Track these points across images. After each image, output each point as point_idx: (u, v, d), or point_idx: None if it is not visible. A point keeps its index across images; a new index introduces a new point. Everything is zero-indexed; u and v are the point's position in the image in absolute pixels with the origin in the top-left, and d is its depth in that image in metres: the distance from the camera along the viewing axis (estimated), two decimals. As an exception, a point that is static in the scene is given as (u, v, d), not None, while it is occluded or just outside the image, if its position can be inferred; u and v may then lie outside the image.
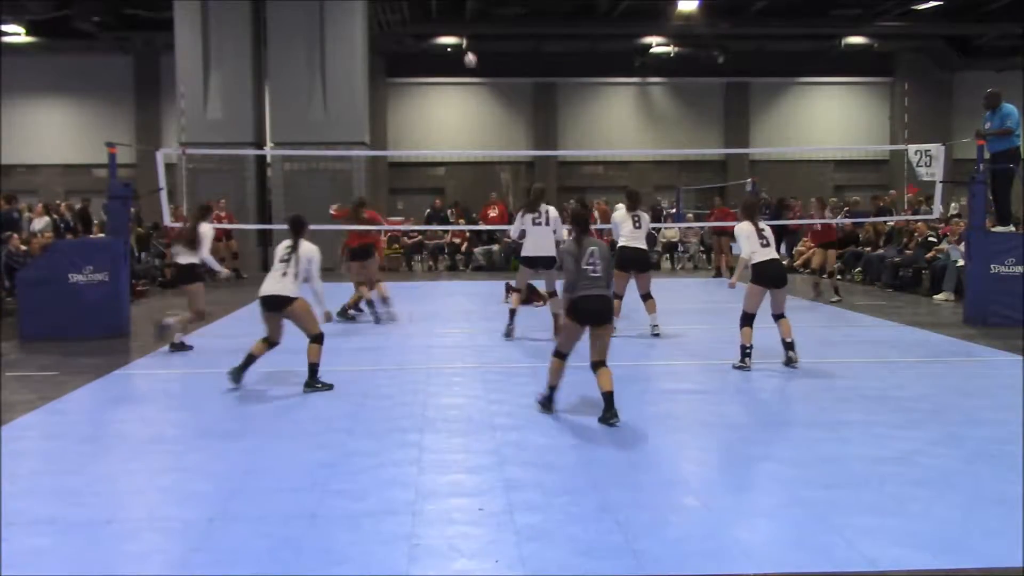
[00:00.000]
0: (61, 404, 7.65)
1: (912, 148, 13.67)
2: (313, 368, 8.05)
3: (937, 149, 13.08)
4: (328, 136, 20.76)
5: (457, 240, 22.91)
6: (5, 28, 25.53)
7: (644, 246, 11.05)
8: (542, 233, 10.79)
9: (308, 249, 8.21)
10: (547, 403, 7.15)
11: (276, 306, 8.03)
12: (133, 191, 12.44)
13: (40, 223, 17.57)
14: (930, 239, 16.29)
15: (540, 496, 5.14)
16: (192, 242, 10.36)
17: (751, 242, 8.90)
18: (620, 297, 10.82)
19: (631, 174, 31.52)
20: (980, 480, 5.41)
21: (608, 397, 6.76)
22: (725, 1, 25.53)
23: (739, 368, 8.81)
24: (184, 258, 10.44)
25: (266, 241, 22.32)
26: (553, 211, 11.04)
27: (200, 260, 10.49)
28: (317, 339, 8.06)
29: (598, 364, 6.88)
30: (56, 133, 29.87)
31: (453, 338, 11.35)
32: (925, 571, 4.12)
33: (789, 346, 8.98)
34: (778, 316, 9.07)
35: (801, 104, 32.09)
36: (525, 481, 5.40)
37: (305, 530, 4.62)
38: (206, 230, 10.54)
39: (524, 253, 11.05)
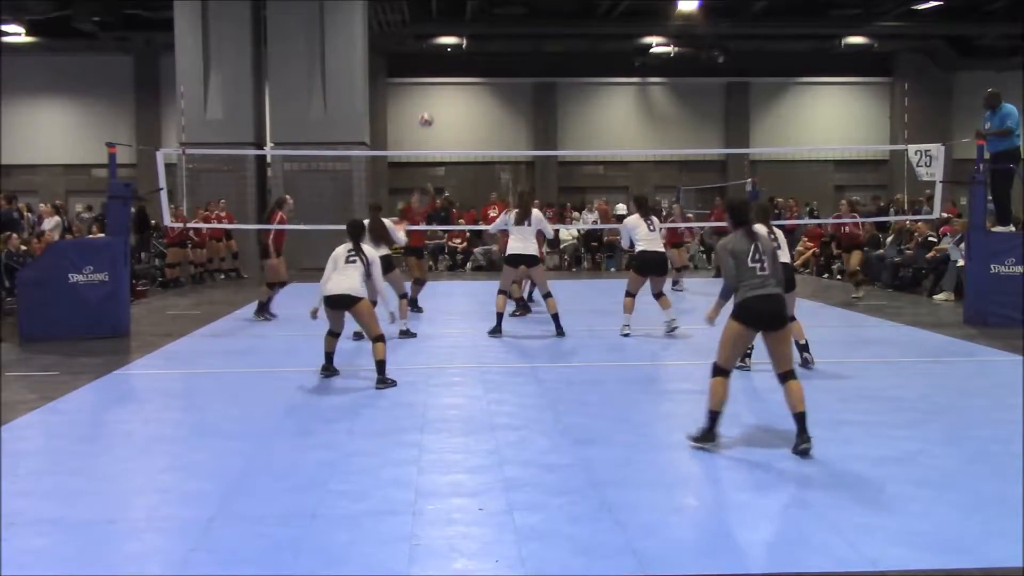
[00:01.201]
0: (61, 404, 7.64)
1: (912, 148, 13.67)
2: (381, 365, 8.20)
3: (937, 149, 13.08)
4: (328, 136, 20.76)
5: (457, 240, 22.92)
6: (5, 28, 25.54)
7: (662, 248, 11.10)
8: (524, 232, 11.00)
9: (371, 252, 8.57)
10: (708, 435, 6.07)
11: (344, 304, 8.27)
12: (133, 191, 12.44)
13: (50, 223, 17.59)
14: (930, 239, 16.29)
15: (540, 496, 5.14)
16: (382, 238, 11.43)
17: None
18: (632, 296, 10.98)
19: (631, 174, 31.53)
20: (980, 480, 5.40)
21: (800, 418, 5.86)
22: (725, 1, 25.53)
23: (740, 368, 8.77)
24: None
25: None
26: (536, 211, 11.35)
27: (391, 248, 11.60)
28: (380, 339, 8.27)
29: (786, 375, 5.98)
30: (56, 133, 29.87)
31: (453, 338, 11.35)
32: (925, 571, 4.12)
33: (804, 348, 8.89)
34: (790, 319, 8.93)
35: (801, 104, 32.09)
36: (525, 481, 5.40)
37: (305, 530, 4.62)
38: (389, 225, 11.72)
39: (508, 252, 11.33)
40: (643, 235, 10.94)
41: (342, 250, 8.51)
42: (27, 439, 6.59)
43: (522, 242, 11.03)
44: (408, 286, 12.82)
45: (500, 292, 11.27)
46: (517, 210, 11.23)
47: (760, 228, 8.63)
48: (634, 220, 11.13)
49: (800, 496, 5.13)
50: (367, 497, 5.12)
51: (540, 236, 11.51)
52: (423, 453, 6.03)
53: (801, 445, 5.84)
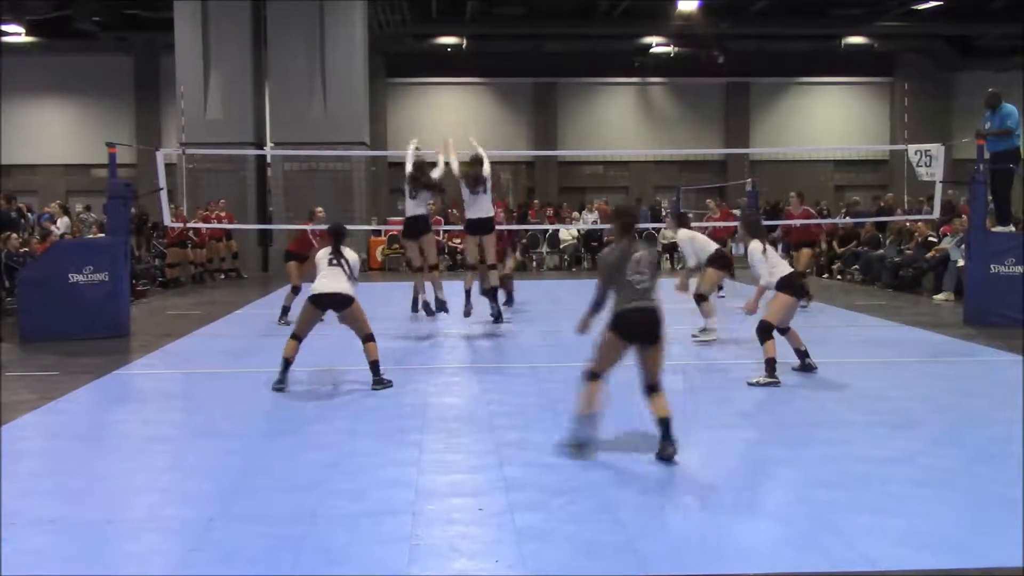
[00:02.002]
0: (61, 404, 7.64)
1: (912, 148, 13.67)
2: (375, 365, 8.19)
3: (937, 149, 13.08)
4: (328, 136, 20.76)
5: (458, 240, 22.90)
6: (5, 28, 25.54)
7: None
8: (480, 200, 11.11)
9: (352, 254, 8.48)
10: (582, 444, 5.95)
11: (336, 304, 8.18)
12: (133, 191, 12.44)
13: (63, 224, 17.61)
14: (930, 239, 16.28)
15: (540, 496, 5.14)
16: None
17: (771, 262, 8.45)
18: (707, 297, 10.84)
19: (631, 174, 31.53)
20: (980, 480, 5.40)
21: (664, 424, 5.84)
22: (725, 1, 25.53)
23: (769, 383, 8.16)
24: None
25: (266, 241, 22.33)
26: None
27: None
28: (371, 338, 8.25)
29: (652, 388, 5.96)
30: (56, 133, 29.86)
31: (453, 338, 11.34)
32: (925, 571, 4.12)
33: (804, 354, 8.59)
34: (786, 329, 8.59)
35: (801, 104, 32.08)
36: (525, 481, 5.40)
37: (305, 530, 4.62)
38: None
39: (467, 217, 11.28)
40: (702, 243, 10.83)
41: (323, 253, 8.50)
42: (27, 439, 6.59)
43: (477, 209, 11.09)
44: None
45: (469, 268, 11.32)
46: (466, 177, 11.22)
47: (757, 245, 8.55)
48: (690, 235, 11.01)
49: (800, 496, 5.13)
50: (367, 497, 5.12)
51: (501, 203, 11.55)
52: (423, 453, 6.03)
53: (666, 450, 5.73)
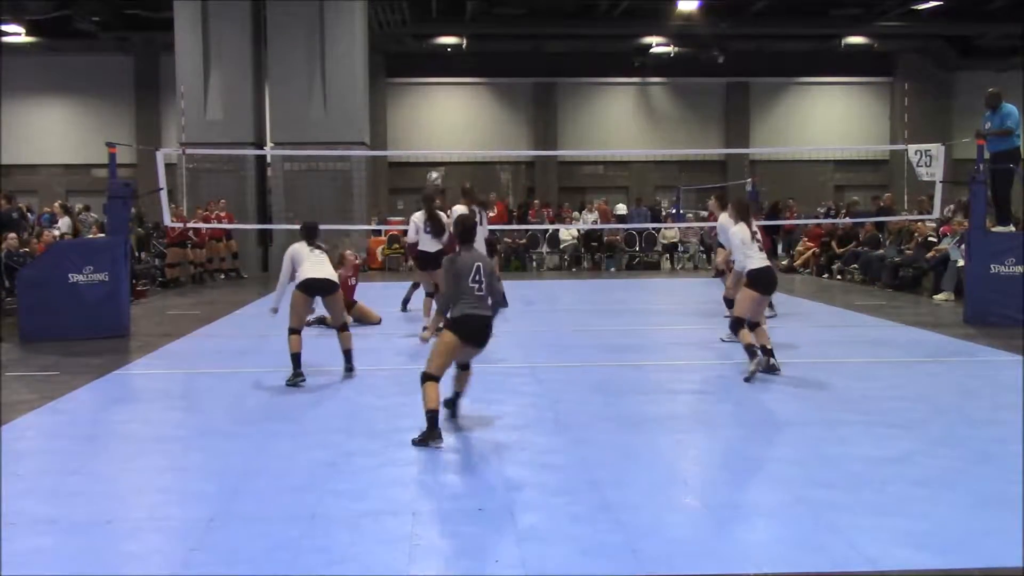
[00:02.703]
0: (61, 404, 7.64)
1: (912, 148, 13.66)
2: (349, 354, 8.74)
3: (937, 149, 13.07)
4: (328, 136, 20.76)
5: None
6: (5, 28, 25.54)
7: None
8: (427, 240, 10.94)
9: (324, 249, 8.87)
10: (431, 433, 6.14)
11: (324, 290, 8.56)
12: (133, 191, 12.44)
13: (64, 224, 17.60)
14: (930, 239, 16.28)
15: (540, 496, 5.14)
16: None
17: (747, 247, 8.46)
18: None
19: (631, 174, 31.55)
20: (980, 480, 5.40)
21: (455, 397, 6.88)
22: (725, 1, 25.53)
23: (769, 371, 8.20)
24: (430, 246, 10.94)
25: (266, 241, 22.33)
26: (456, 209, 10.99)
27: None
28: (346, 327, 8.85)
29: (464, 367, 6.80)
30: (56, 133, 29.87)
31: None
32: (925, 571, 4.12)
33: (771, 353, 8.44)
34: (755, 324, 8.46)
35: (801, 104, 32.10)
36: (525, 481, 5.40)
37: (305, 530, 4.62)
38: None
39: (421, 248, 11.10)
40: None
41: (300, 246, 8.75)
42: (27, 439, 6.58)
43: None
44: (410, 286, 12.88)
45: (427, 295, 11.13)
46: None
47: (740, 228, 8.55)
48: (729, 221, 9.56)
49: (800, 496, 5.13)
50: (367, 497, 5.12)
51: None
52: (423, 453, 6.03)
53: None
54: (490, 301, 6.50)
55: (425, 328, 7.56)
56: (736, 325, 8.46)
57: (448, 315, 6.50)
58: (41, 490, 5.35)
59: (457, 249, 6.63)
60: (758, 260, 8.47)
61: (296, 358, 8.35)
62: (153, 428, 6.91)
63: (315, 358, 9.03)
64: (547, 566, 4.18)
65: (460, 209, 10.67)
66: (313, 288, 8.56)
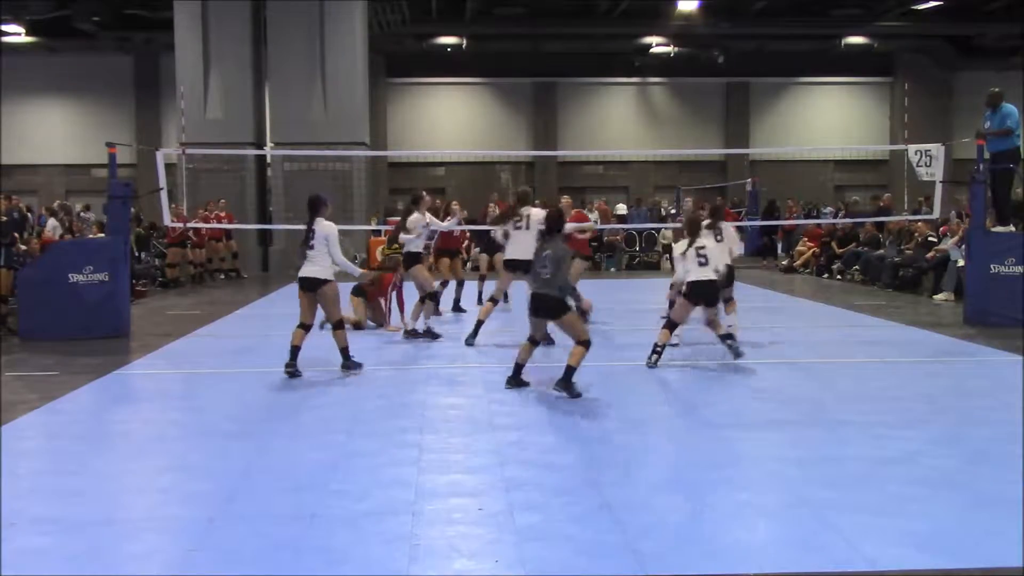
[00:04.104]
0: (61, 404, 7.64)
1: (912, 148, 13.66)
2: (344, 352, 8.65)
3: (937, 149, 13.07)
4: (328, 136, 20.77)
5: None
6: (5, 28, 25.55)
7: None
8: (523, 237, 10.56)
9: (324, 226, 8.54)
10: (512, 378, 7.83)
11: (310, 286, 8.48)
12: (133, 191, 12.44)
13: (50, 225, 17.62)
14: (930, 239, 16.28)
15: (540, 496, 5.14)
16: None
17: (687, 261, 8.93)
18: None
19: (631, 174, 31.56)
20: (980, 480, 5.40)
21: (566, 370, 7.55)
22: (725, 1, 25.53)
23: (651, 365, 8.87)
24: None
25: (266, 241, 22.33)
26: (536, 213, 10.67)
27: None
28: (339, 325, 8.64)
29: (577, 343, 7.63)
30: (56, 133, 29.87)
31: (453, 338, 11.34)
32: (925, 571, 4.12)
33: (731, 336, 9.08)
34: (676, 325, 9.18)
35: (801, 104, 32.10)
36: (525, 481, 5.40)
37: (305, 530, 4.62)
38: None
39: (506, 256, 10.95)
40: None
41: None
42: (27, 439, 6.59)
43: (520, 247, 10.44)
44: (438, 286, 12.90)
45: (491, 300, 10.97)
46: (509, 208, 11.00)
47: (681, 245, 9.05)
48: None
49: (800, 496, 5.13)
50: (367, 497, 5.12)
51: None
52: (423, 453, 6.03)
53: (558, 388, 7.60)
54: (555, 283, 7.52)
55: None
56: (669, 325, 9.14)
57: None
58: (41, 490, 5.35)
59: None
60: (695, 273, 8.87)
61: (293, 350, 8.48)
62: (153, 428, 6.91)
63: (316, 355, 9.04)
64: (547, 566, 4.18)
65: (536, 210, 10.58)
66: (301, 286, 8.52)
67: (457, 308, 13.59)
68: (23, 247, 14.24)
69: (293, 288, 13.48)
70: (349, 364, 8.70)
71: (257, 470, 5.71)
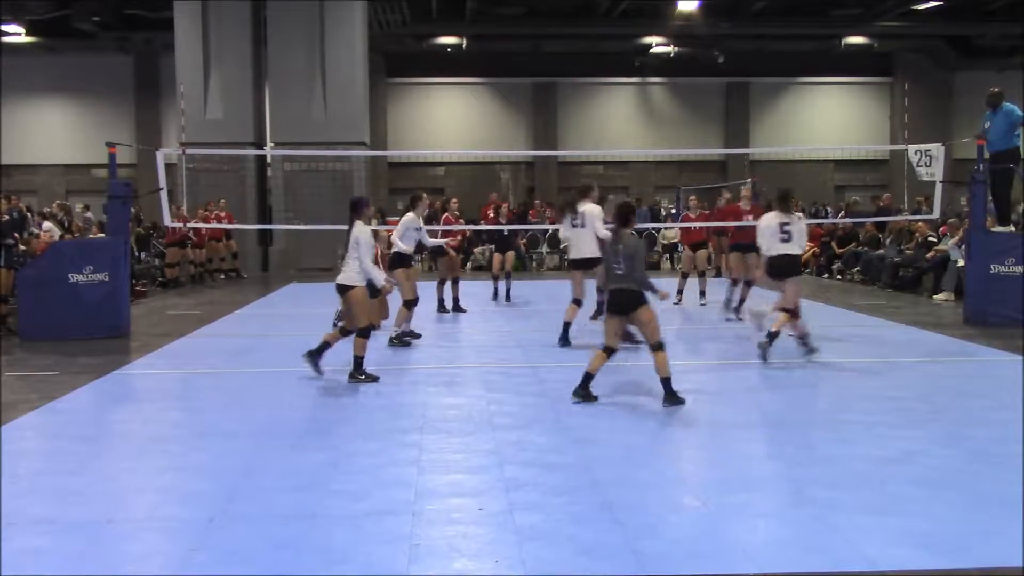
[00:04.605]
0: (61, 404, 7.64)
1: (912, 148, 13.65)
2: (358, 361, 8.31)
3: (937, 149, 13.07)
4: (328, 136, 20.77)
5: (458, 238, 22.89)
6: (5, 28, 25.54)
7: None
8: (581, 235, 10.49)
9: (358, 232, 8.39)
10: (581, 390, 7.47)
11: (340, 292, 8.37)
12: (133, 191, 12.44)
13: (45, 227, 17.62)
14: (930, 239, 16.29)
15: (540, 496, 5.14)
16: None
17: (771, 237, 9.28)
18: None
19: (631, 174, 31.55)
20: (980, 480, 5.40)
21: (663, 382, 7.34)
22: (725, 1, 25.53)
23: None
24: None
25: (266, 241, 22.33)
26: (591, 209, 10.47)
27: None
28: (362, 333, 8.31)
29: (652, 349, 7.39)
30: (56, 133, 29.86)
31: (453, 338, 11.35)
32: (925, 571, 4.12)
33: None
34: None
35: (801, 104, 32.09)
36: (525, 481, 5.40)
37: (305, 530, 4.62)
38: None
39: (570, 256, 10.89)
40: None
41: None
42: (27, 439, 6.59)
43: (581, 245, 10.45)
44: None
45: (573, 301, 10.53)
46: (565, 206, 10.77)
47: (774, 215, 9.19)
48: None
49: (800, 496, 5.13)
50: (367, 497, 5.12)
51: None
52: (423, 453, 6.03)
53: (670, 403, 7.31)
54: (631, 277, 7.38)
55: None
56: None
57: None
58: (41, 490, 5.35)
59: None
60: (777, 248, 9.24)
61: (357, 360, 8.31)
62: (153, 428, 6.91)
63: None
64: (547, 566, 4.18)
65: (591, 206, 10.42)
66: (336, 291, 8.45)
67: (457, 308, 13.56)
68: (23, 247, 14.24)
69: (293, 288, 13.58)
70: (359, 375, 8.31)
71: (257, 470, 5.72)
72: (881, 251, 17.88)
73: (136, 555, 4.39)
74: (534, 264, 22.82)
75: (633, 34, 28.92)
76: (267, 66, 22.15)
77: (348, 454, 6.03)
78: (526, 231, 22.64)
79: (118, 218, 11.77)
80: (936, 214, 14.69)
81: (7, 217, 13.72)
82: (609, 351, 7.46)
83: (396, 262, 10.59)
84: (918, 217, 16.66)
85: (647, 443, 6.36)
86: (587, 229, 10.32)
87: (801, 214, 9.89)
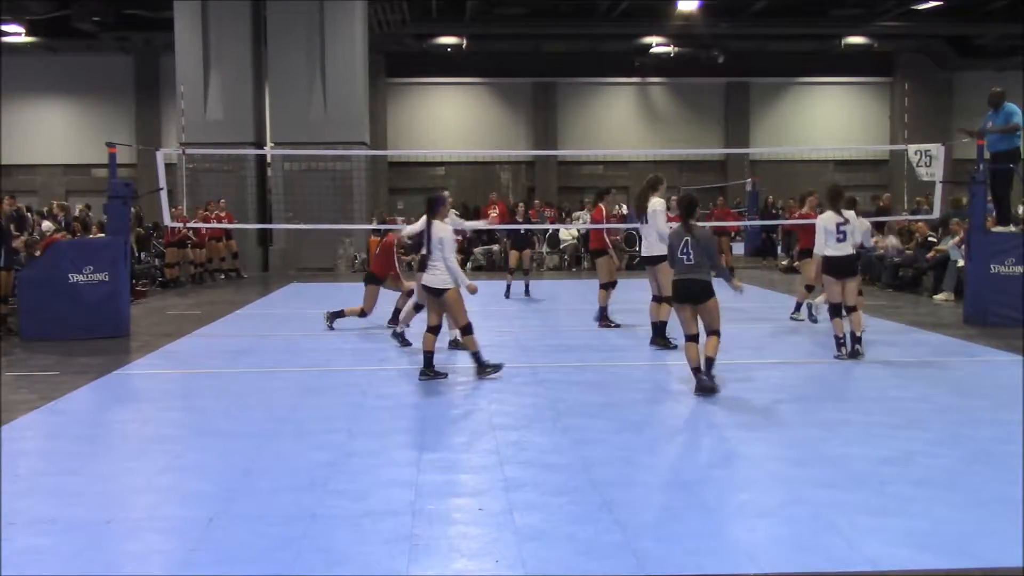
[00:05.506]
0: (61, 404, 7.64)
1: (912, 148, 13.65)
2: (476, 356, 8.39)
3: (937, 149, 13.07)
4: (328, 136, 20.77)
5: (459, 239, 22.91)
6: (5, 28, 25.56)
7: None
8: (646, 232, 10.32)
9: (440, 230, 8.24)
10: (706, 385, 7.54)
11: (434, 294, 8.30)
12: (133, 191, 12.44)
13: (44, 227, 17.63)
14: (930, 239, 16.28)
15: (540, 496, 5.14)
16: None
17: (827, 235, 9.33)
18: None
19: (631, 174, 31.55)
20: (980, 480, 5.40)
21: (706, 362, 7.56)
22: (725, 1, 25.54)
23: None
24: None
25: (266, 241, 22.33)
26: (653, 202, 10.19)
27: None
28: (465, 329, 8.36)
29: (709, 333, 7.64)
30: (56, 133, 29.89)
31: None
32: (925, 571, 4.12)
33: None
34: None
35: (801, 104, 32.11)
36: (525, 481, 5.40)
37: (305, 530, 4.62)
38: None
39: (641, 253, 10.84)
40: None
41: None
42: (27, 439, 6.58)
43: (647, 242, 10.21)
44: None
45: (656, 299, 10.25)
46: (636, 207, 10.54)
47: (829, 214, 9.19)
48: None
49: (800, 496, 5.13)
50: (367, 497, 5.12)
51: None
52: (423, 453, 6.03)
53: (704, 385, 7.61)
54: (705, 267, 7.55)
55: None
56: (833, 312, 9.44)
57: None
58: (41, 490, 5.35)
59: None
60: (832, 249, 9.23)
61: (426, 356, 8.31)
62: (153, 428, 6.91)
63: (316, 356, 9.03)
64: (547, 566, 4.18)
65: (656, 199, 10.19)
66: (427, 292, 8.40)
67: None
68: (21, 249, 14.24)
69: (293, 288, 13.58)
70: (483, 367, 8.38)
71: (257, 470, 5.71)
72: (881, 251, 17.86)
73: (136, 555, 4.39)
74: (534, 264, 22.79)
75: (633, 34, 28.95)
76: (267, 66, 22.16)
77: (348, 454, 6.03)
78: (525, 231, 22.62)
79: (118, 218, 11.77)
80: (936, 214, 14.70)
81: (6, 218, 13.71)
82: (694, 337, 7.63)
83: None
84: (918, 217, 16.67)
85: (647, 443, 6.36)
86: (650, 226, 10.12)
87: (852, 213, 9.49)
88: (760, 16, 26.64)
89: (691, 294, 7.58)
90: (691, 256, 7.52)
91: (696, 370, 7.58)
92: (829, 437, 6.39)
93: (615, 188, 15.96)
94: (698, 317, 7.70)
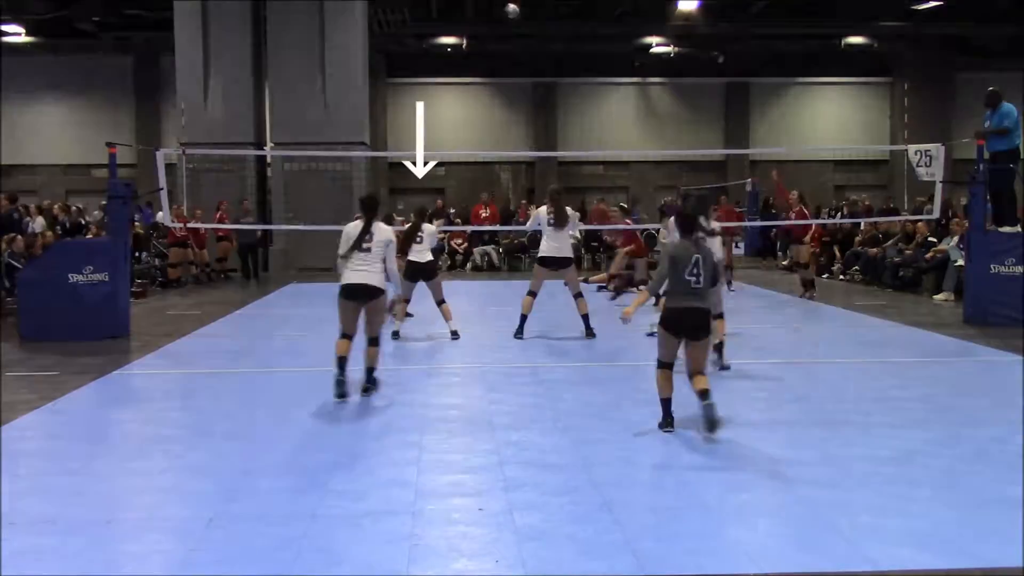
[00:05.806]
0: (61, 404, 7.64)
1: (912, 148, 13.66)
2: (370, 372, 7.83)
3: (937, 149, 13.07)
4: (328, 136, 20.76)
5: (458, 240, 22.93)
6: (5, 28, 25.54)
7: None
8: (556, 235, 10.55)
9: (384, 231, 7.72)
10: (665, 420, 6.49)
11: (364, 295, 7.56)
12: (133, 191, 12.43)
13: (38, 224, 17.63)
14: (930, 239, 16.28)
15: (540, 496, 5.14)
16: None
17: None
18: None
19: (631, 174, 31.53)
20: (980, 480, 5.40)
21: (702, 394, 6.30)
22: (725, 1, 25.53)
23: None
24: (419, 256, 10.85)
25: (266, 241, 22.33)
26: (570, 211, 10.73)
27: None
28: (374, 342, 7.81)
29: (695, 374, 6.39)
30: (56, 133, 29.85)
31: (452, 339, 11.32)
32: (925, 571, 4.12)
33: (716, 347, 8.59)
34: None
35: (801, 104, 32.07)
36: (525, 481, 5.40)
37: (305, 530, 4.62)
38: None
39: (541, 253, 10.89)
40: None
41: (351, 229, 7.70)
42: (27, 439, 6.58)
43: (556, 243, 10.58)
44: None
45: (529, 294, 10.81)
46: (554, 211, 10.55)
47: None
48: None
49: (800, 496, 5.13)
50: (367, 497, 5.12)
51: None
52: (423, 453, 6.03)
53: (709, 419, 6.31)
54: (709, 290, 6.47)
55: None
56: None
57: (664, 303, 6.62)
58: (41, 490, 5.35)
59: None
60: None
61: (340, 362, 7.57)
62: (153, 428, 6.91)
63: (317, 359, 9.03)
64: (547, 566, 4.18)
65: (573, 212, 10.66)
66: (349, 295, 7.58)
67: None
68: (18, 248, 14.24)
69: (293, 288, 13.56)
70: (372, 384, 7.80)
71: (257, 470, 5.71)
72: (881, 250, 17.87)
73: (136, 555, 4.39)
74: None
75: (633, 34, 28.91)
76: (267, 66, 22.14)
77: (348, 454, 6.04)
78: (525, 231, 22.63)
79: (118, 218, 11.77)
80: (936, 214, 14.70)
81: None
82: (671, 365, 6.50)
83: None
84: (919, 217, 16.66)
85: (646, 443, 6.35)
86: (567, 230, 10.49)
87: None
88: (760, 16, 26.62)
89: (693, 326, 6.37)
90: (700, 278, 6.30)
91: (667, 402, 6.52)
92: (829, 437, 6.39)
93: (615, 188, 15.87)
94: (681, 351, 6.47)
